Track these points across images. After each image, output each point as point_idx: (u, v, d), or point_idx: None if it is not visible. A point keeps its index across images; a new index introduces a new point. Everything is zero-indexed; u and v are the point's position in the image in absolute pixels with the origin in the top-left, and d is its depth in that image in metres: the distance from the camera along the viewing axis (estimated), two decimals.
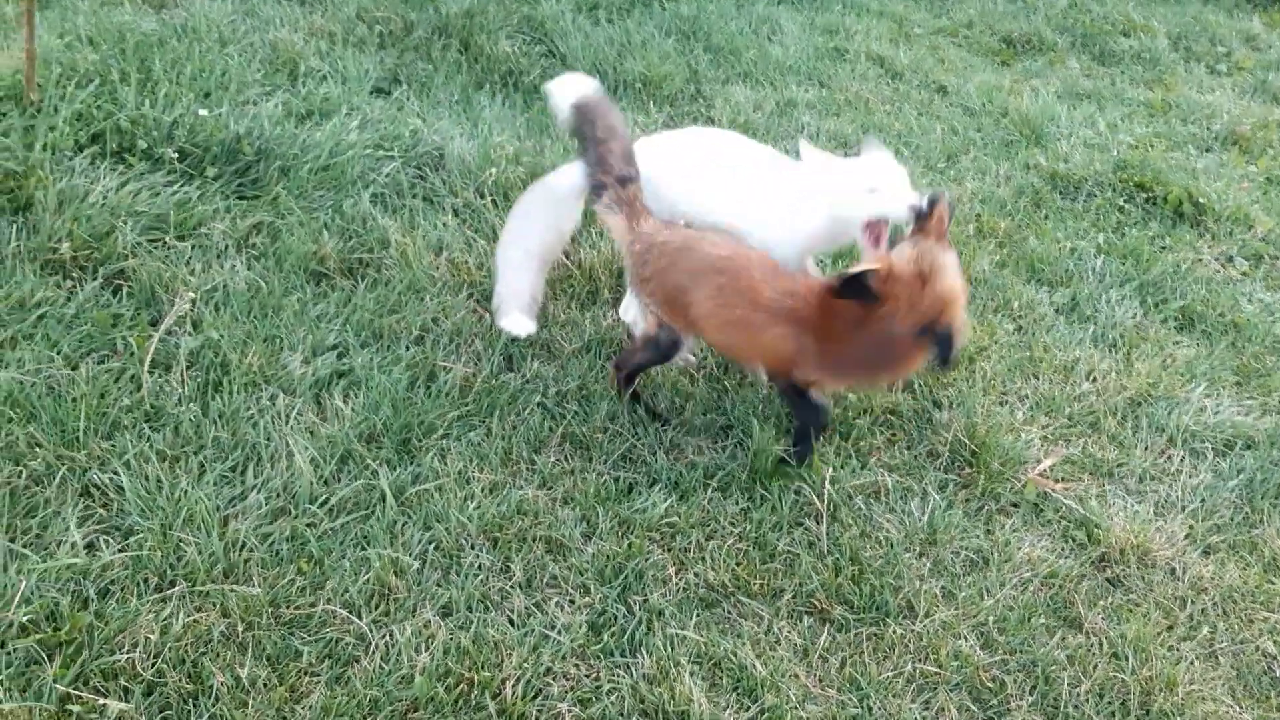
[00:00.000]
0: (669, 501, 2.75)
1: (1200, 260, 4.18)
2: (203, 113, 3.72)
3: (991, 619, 2.60)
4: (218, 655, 2.23)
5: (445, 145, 3.98)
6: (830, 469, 2.91)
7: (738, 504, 2.80)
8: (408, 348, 3.08)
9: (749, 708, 2.32)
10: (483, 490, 2.70)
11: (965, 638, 2.55)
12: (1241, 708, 2.48)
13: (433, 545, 2.55)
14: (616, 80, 4.91)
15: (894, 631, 2.53)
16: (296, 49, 4.54)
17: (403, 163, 3.87)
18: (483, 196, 3.76)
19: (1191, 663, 2.56)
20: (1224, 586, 2.76)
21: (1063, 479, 3.01)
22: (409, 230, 3.53)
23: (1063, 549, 2.82)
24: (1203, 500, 2.99)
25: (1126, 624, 2.61)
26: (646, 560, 2.60)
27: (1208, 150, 5.28)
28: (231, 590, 2.34)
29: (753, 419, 3.00)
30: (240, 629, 2.28)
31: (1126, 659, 2.53)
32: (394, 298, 3.25)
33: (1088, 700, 2.45)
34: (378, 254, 3.42)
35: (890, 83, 5.56)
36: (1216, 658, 2.59)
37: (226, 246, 3.34)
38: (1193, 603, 2.71)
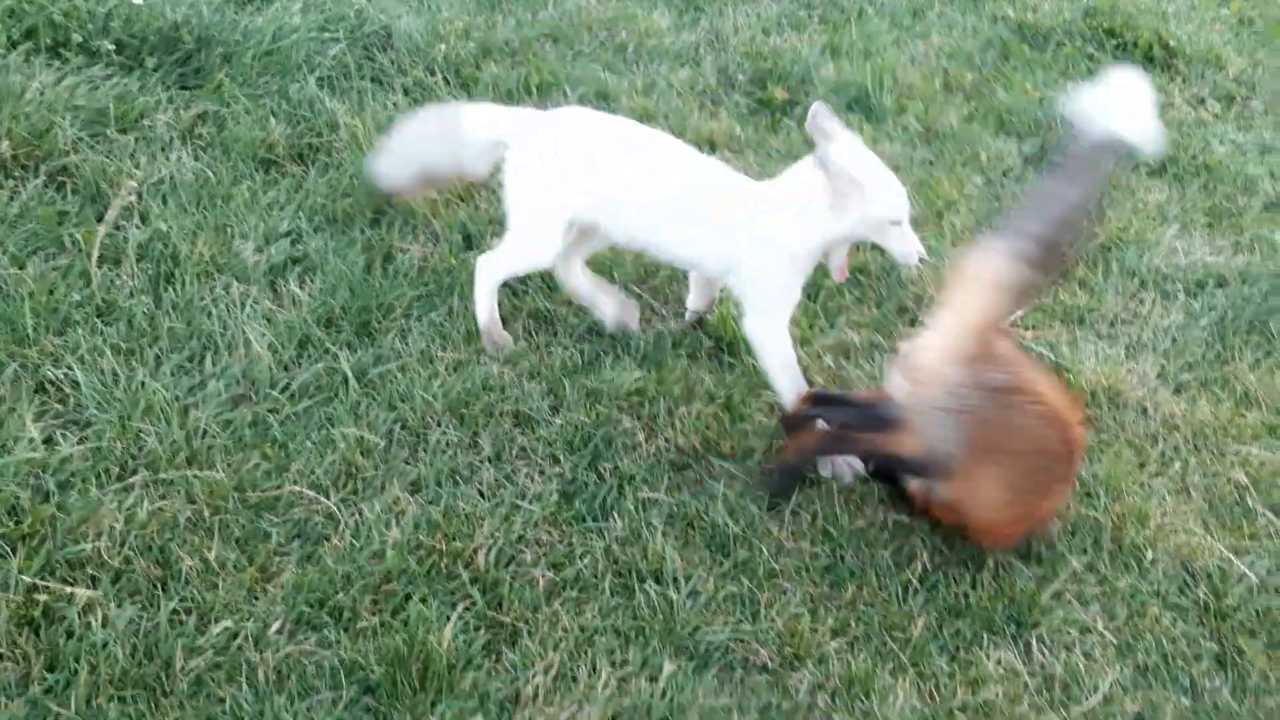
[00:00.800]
0: (637, 371, 2.72)
1: (1172, 104, 4.11)
2: (137, 1, 3.56)
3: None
4: (185, 540, 2.20)
5: (392, 24, 3.84)
6: (799, 329, 2.88)
7: (708, 371, 2.77)
8: (363, 230, 3.01)
9: (722, 563, 2.33)
10: (447, 368, 2.66)
11: None
12: (1214, 537, 2.50)
13: (399, 424, 2.52)
14: None
15: (868, 483, 2.53)
16: None
17: (349, 44, 3.73)
18: (433, 74, 3.65)
19: (1163, 497, 2.57)
20: (1195, 422, 2.77)
21: (1033, 327, 2.98)
22: (358, 112, 3.42)
23: None
24: (1174, 340, 2.98)
25: (1099, 463, 2.62)
26: (615, 428, 2.58)
27: None
28: (195, 477, 2.31)
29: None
30: (207, 514, 2.25)
31: (1099, 496, 2.54)
32: (346, 181, 3.16)
33: (1061, 539, 2.46)
34: (327, 138, 3.32)
35: None
36: (1188, 491, 2.61)
37: (171, 138, 3.23)
38: (1164, 439, 2.72)
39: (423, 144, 2.79)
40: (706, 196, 2.58)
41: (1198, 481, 2.63)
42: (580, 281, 2.82)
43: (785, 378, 2.60)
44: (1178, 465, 2.65)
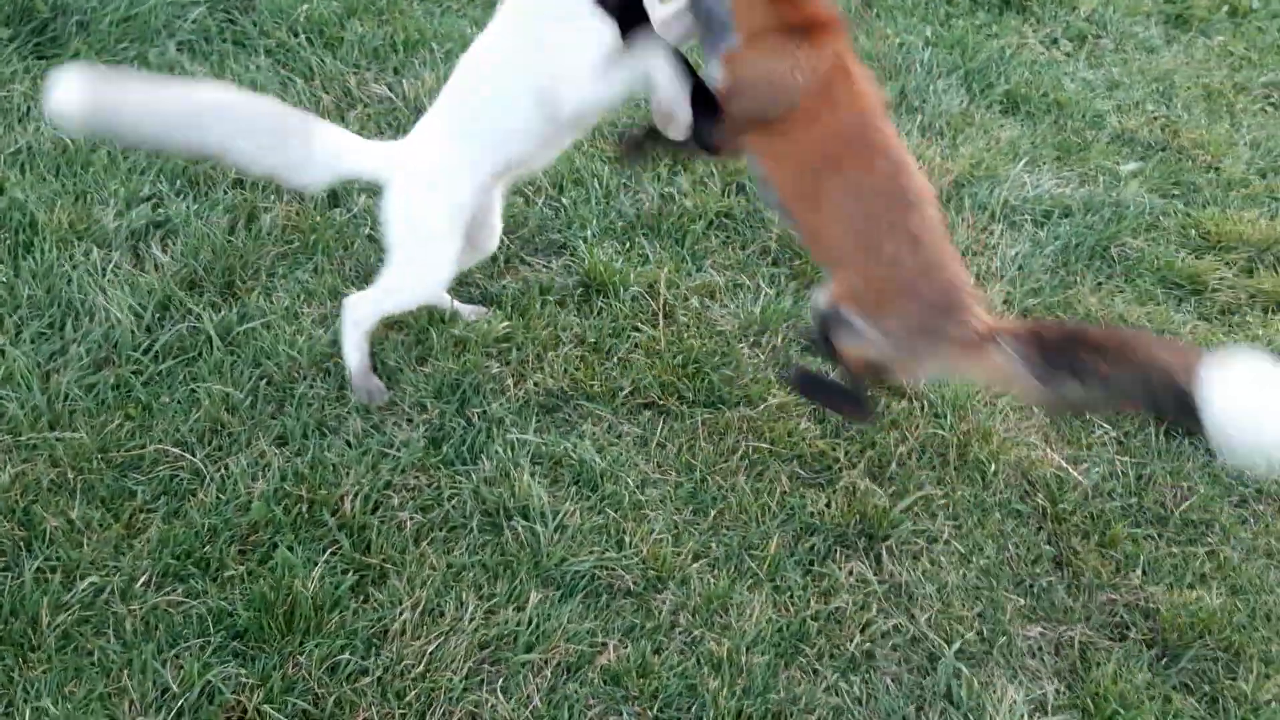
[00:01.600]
0: (504, 318, 2.77)
1: (1025, 44, 4.26)
2: None
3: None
4: (49, 502, 2.21)
5: None
6: (665, 272, 2.96)
7: (576, 316, 2.84)
8: (225, 192, 3.00)
9: (589, 497, 2.41)
10: (312, 323, 2.69)
11: (797, 418, 2.65)
12: (1052, 449, 2.65)
13: (264, 380, 2.54)
14: None
15: (728, 417, 2.63)
16: None
17: (209, 7, 3.68)
18: (296, 35, 3.62)
19: (1006, 414, 2.71)
20: None
21: None
22: (219, 75, 3.39)
23: None
24: (1020, 268, 3.13)
25: (946, 387, 2.74)
26: (484, 374, 2.64)
27: None
28: (58, 439, 2.31)
29: (586, 234, 3.02)
30: (70, 475, 2.27)
31: (945, 417, 2.67)
32: None
33: (910, 457, 2.59)
34: None
35: None
36: (1030, 409, 2.75)
37: (28, 108, 3.18)
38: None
39: (242, 133, 2.29)
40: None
41: None
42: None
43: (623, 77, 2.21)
44: None
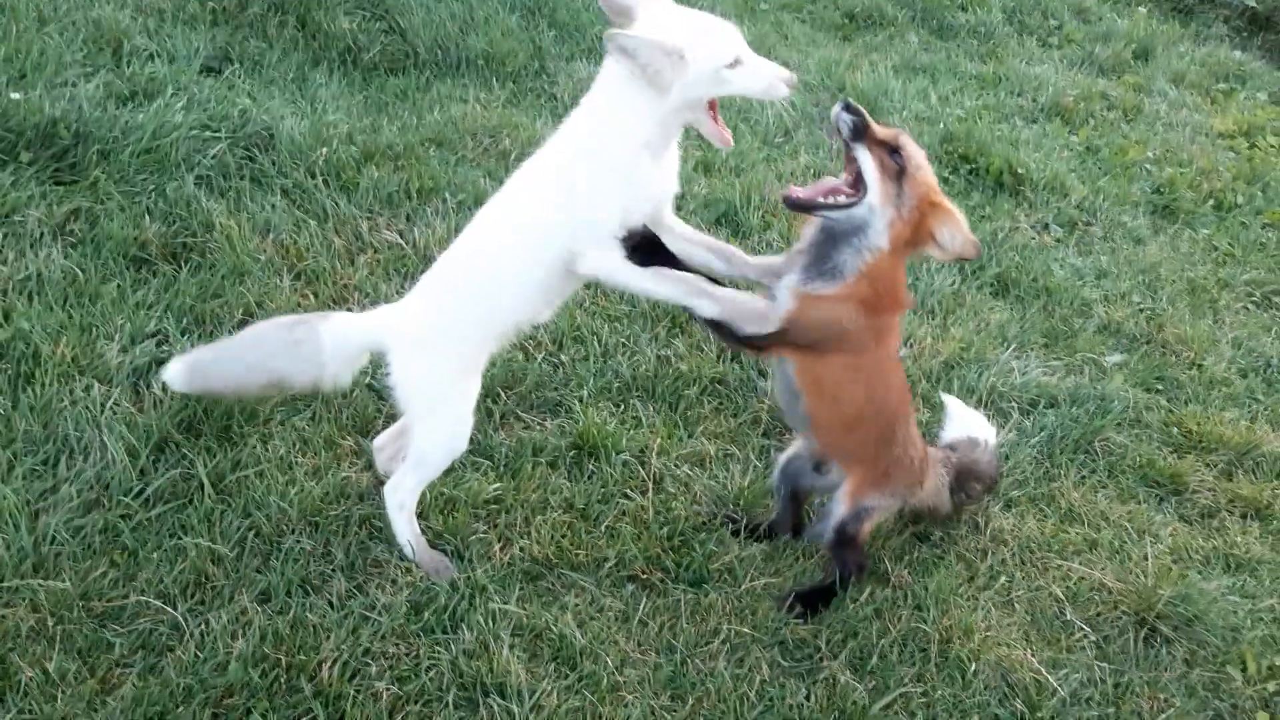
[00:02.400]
0: (495, 478, 2.80)
1: (1018, 228, 4.40)
2: (15, 96, 3.59)
3: (807, 581, 2.72)
4: (26, 650, 2.20)
5: (275, 125, 3.91)
6: (658, 439, 3.00)
7: (566, 479, 2.86)
8: (230, 332, 3.05)
9: (568, 676, 2.40)
10: (305, 474, 2.71)
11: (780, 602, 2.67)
12: (1033, 650, 2.66)
13: (252, 532, 2.55)
14: (459, 57, 4.88)
15: (711, 597, 2.64)
16: (122, 27, 4.38)
17: (230, 144, 3.79)
18: (314, 177, 3.73)
19: (989, 610, 2.73)
20: (1022, 537, 2.95)
21: None
22: (234, 212, 3.48)
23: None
24: (1006, 457, 3.17)
25: (930, 576, 2.77)
26: (471, 536, 2.65)
27: (1033, 121, 5.53)
28: (40, 585, 2.31)
29: (583, 394, 3.07)
30: (50, 623, 2.25)
31: (928, 609, 2.68)
32: (217, 282, 3.21)
33: (892, 649, 2.59)
34: (202, 237, 3.36)
35: None
36: (1012, 605, 2.77)
37: (42, 234, 3.24)
38: (993, 554, 2.89)
39: (264, 356, 2.43)
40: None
41: (1021, 595, 2.79)
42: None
43: (652, 284, 2.38)
44: (1004, 579, 2.82)
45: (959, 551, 2.88)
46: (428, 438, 2.49)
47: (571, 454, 2.95)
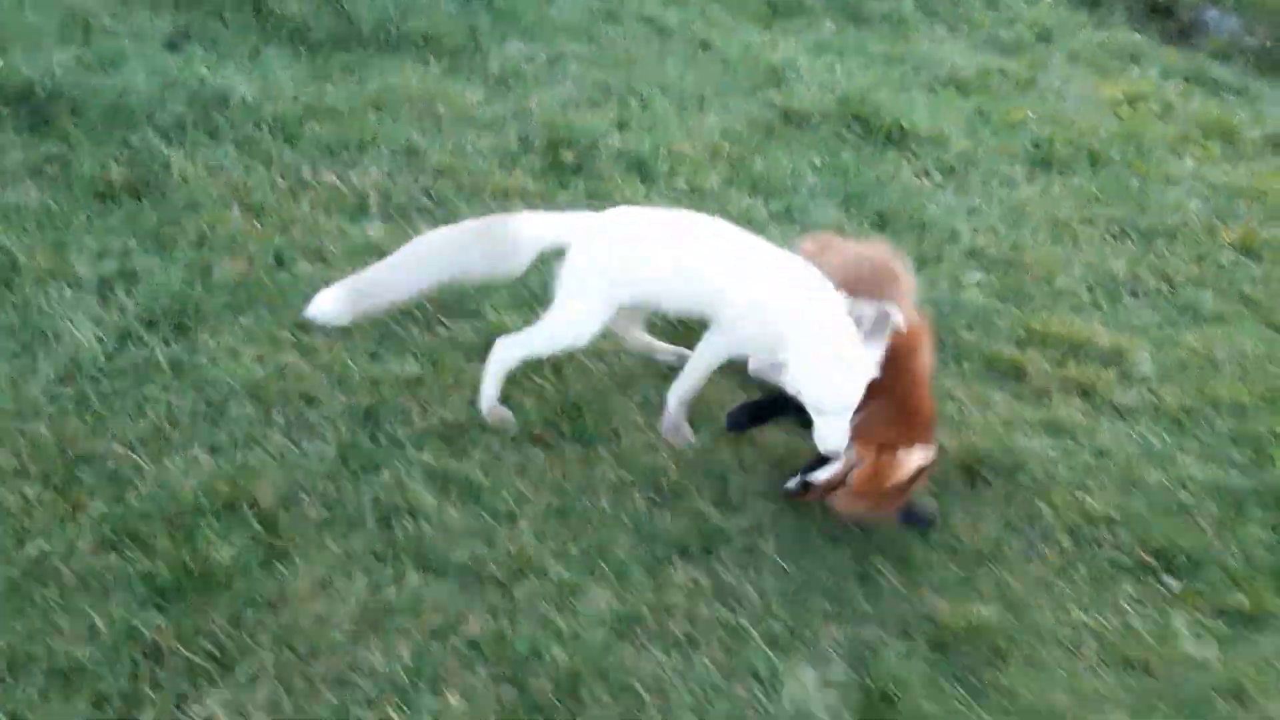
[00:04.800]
0: (417, 364, 3.25)
1: (900, 174, 4.90)
2: None
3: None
4: (7, 482, 2.64)
5: (228, 89, 4.38)
6: None
7: (478, 363, 3.32)
8: (185, 251, 3.50)
9: (472, 507, 2.85)
10: (251, 360, 3.15)
11: (660, 454, 3.13)
12: None
13: (204, 402, 3.00)
14: (400, 37, 5.34)
15: (598, 451, 3.10)
16: (90, 9, 4.85)
17: (188, 103, 4.25)
18: (261, 129, 4.19)
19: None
20: None
21: None
22: (190, 158, 3.94)
23: (744, 387, 3.43)
24: None
25: (794, 439, 3.24)
26: (394, 407, 3.10)
27: (931, 91, 6.04)
28: (20, 431, 2.75)
29: (496, 302, 3.54)
30: (29, 464, 2.69)
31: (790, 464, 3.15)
32: (174, 212, 3.66)
33: (751, 490, 3.05)
34: (161, 177, 3.81)
35: (658, 40, 6.14)
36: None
37: (19, 173, 3.69)
38: None
39: (459, 257, 3.04)
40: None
41: None
42: (638, 339, 3.42)
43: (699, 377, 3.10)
44: None
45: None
46: (553, 319, 3.06)
47: (484, 348, 3.40)
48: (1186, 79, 7.07)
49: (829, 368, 2.73)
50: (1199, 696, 2.70)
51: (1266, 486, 3.38)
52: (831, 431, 2.77)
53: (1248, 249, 4.82)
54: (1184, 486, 3.34)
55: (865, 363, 2.76)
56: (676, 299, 3.09)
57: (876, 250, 3.38)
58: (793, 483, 2.97)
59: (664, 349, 3.43)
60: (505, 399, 3.18)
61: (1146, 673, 2.75)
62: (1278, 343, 4.17)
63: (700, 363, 3.12)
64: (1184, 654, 2.79)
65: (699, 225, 3.07)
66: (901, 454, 2.83)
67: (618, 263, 3.01)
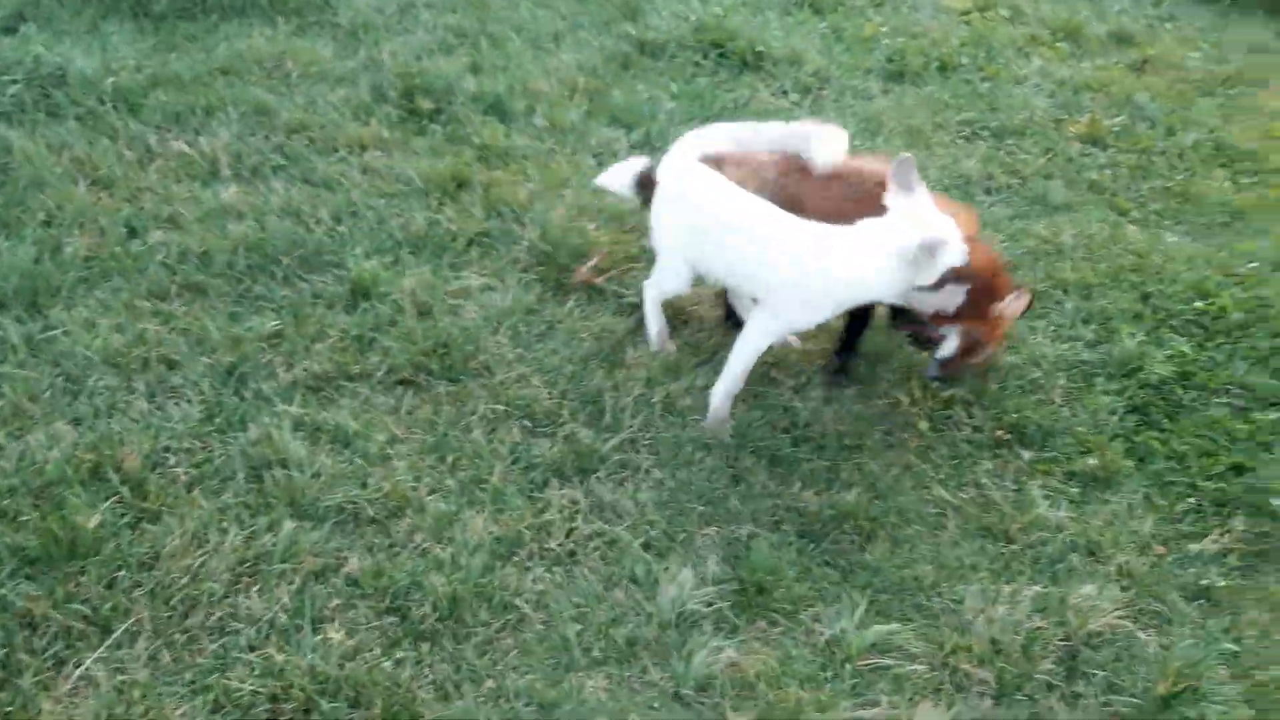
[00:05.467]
0: (276, 319, 3.25)
1: (757, 95, 4.98)
2: None
3: (556, 368, 3.24)
4: None
5: (66, 65, 4.26)
6: (420, 277, 3.48)
7: (344, 314, 3.33)
8: (34, 230, 3.43)
9: (343, 452, 2.87)
10: (108, 330, 3.11)
11: (533, 384, 3.18)
12: (750, 392, 3.22)
13: (61, 376, 2.96)
14: (245, 2, 5.22)
15: (470, 386, 3.14)
16: None
17: (26, 85, 4.14)
18: (104, 103, 4.09)
19: (709, 375, 3.27)
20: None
21: (610, 270, 3.66)
22: (31, 137, 3.83)
23: (619, 314, 3.50)
24: None
25: (656, 360, 3.31)
26: (258, 363, 3.10)
27: (787, 14, 6.11)
28: None
29: (357, 252, 3.54)
30: None
31: (659, 381, 3.22)
32: (19, 192, 3.57)
33: (625, 409, 3.12)
34: (2, 159, 3.71)
35: None
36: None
37: None
38: (699, 328, 3.44)
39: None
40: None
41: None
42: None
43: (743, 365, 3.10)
44: (717, 354, 3.37)
45: (687, 337, 3.43)
46: (658, 270, 3.28)
47: (347, 297, 3.41)
48: None
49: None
50: (1056, 555, 2.86)
51: (1113, 359, 3.55)
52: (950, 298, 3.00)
53: (1093, 139, 5.00)
54: (1036, 365, 3.49)
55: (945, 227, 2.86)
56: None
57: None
58: (932, 369, 3.24)
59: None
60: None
61: (1006, 539, 2.90)
62: (1121, 225, 4.36)
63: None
64: (1040, 518, 2.94)
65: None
66: (1006, 304, 3.09)
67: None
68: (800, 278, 2.95)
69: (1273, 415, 3.34)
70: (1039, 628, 2.64)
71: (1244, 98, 5.83)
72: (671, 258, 3.20)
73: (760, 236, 2.99)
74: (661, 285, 3.29)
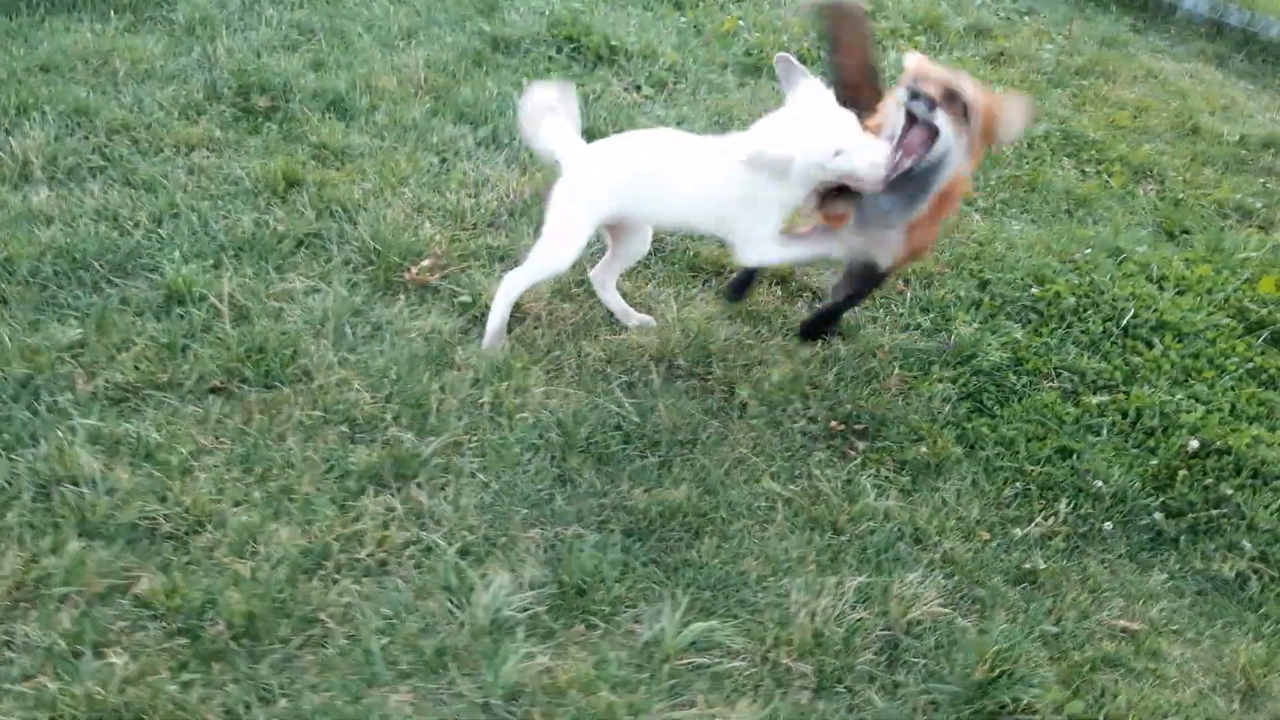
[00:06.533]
0: (79, 327, 3.07)
1: (610, 89, 4.91)
2: None
3: (380, 371, 3.12)
4: None
5: None
6: (239, 280, 3.32)
7: (154, 322, 3.16)
8: None
9: (143, 465, 2.72)
10: None
11: (354, 388, 3.05)
12: (572, 393, 3.14)
13: None
14: None
15: (285, 392, 3.00)
16: None
17: None
18: None
19: (540, 375, 3.19)
20: (577, 320, 3.43)
21: (444, 268, 3.55)
22: None
23: (449, 314, 3.39)
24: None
25: (487, 361, 3.22)
26: (56, 374, 2.92)
27: (648, 10, 6.07)
28: None
29: (174, 255, 3.37)
30: None
31: (490, 381, 3.12)
32: None
33: (450, 411, 3.02)
34: None
35: None
36: (563, 369, 3.24)
37: None
38: (546, 333, 3.36)
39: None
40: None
41: (571, 361, 3.27)
42: (611, 298, 3.45)
43: (799, 256, 3.23)
44: (556, 352, 3.29)
45: (520, 334, 3.34)
46: (544, 247, 3.17)
47: (160, 303, 3.24)
48: None
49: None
50: (882, 545, 2.84)
51: (949, 346, 3.56)
52: (872, 156, 2.88)
53: None
54: (873, 355, 3.49)
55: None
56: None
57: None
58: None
59: (632, 315, 3.48)
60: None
61: (834, 530, 2.87)
62: (967, 212, 4.40)
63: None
64: (868, 508, 2.92)
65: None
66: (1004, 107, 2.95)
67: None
68: (724, 196, 3.06)
69: (1100, 398, 3.38)
70: (861, 618, 2.61)
71: (1093, 89, 5.97)
72: (579, 228, 3.15)
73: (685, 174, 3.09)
74: (544, 268, 3.22)
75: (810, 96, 2.99)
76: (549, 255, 3.17)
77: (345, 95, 4.46)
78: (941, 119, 2.85)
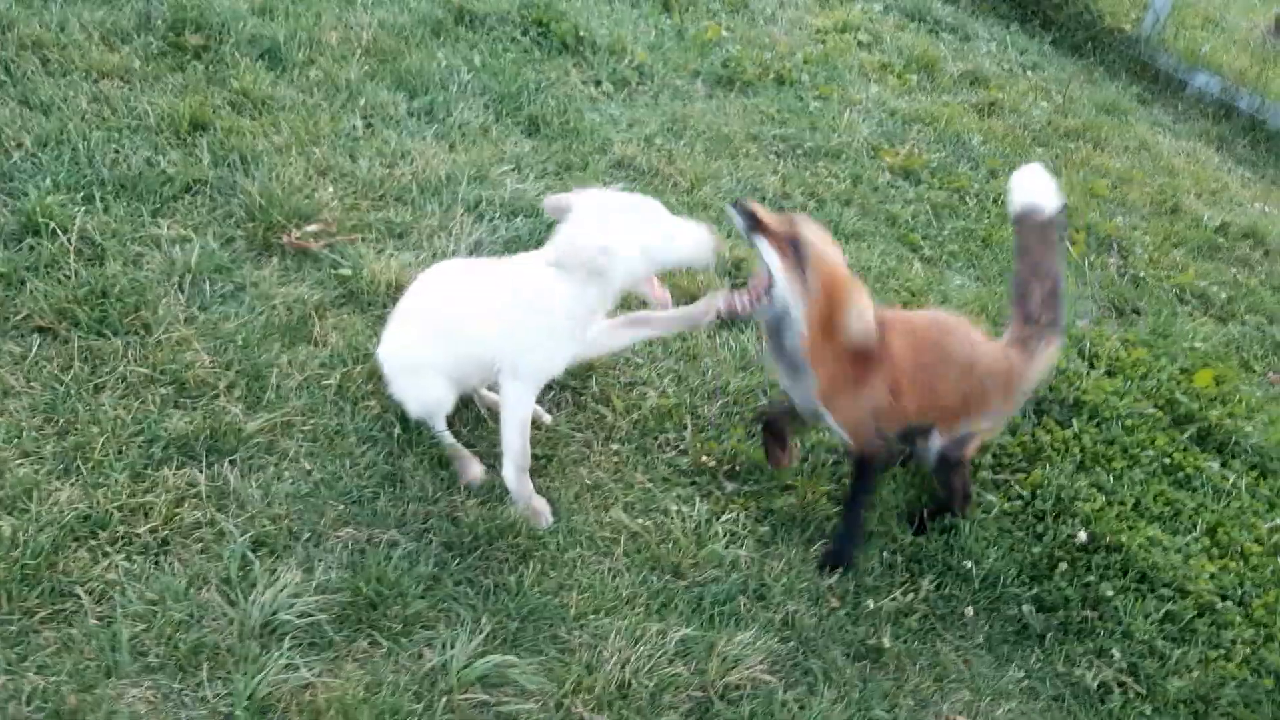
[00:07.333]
0: None
1: (567, 79, 4.70)
2: None
3: (228, 335, 2.90)
4: None
5: None
6: (99, 217, 3.11)
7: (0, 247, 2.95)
8: None
9: None
10: None
11: (193, 348, 2.84)
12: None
13: None
14: None
15: (116, 344, 2.78)
16: None
17: None
18: None
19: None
20: None
21: (332, 235, 3.34)
22: None
23: (322, 284, 3.17)
24: (471, 252, 3.44)
25: (350, 332, 3.00)
26: None
27: (634, 7, 5.86)
28: None
29: (46, 178, 3.16)
30: None
31: (344, 361, 2.91)
32: None
33: (291, 390, 2.80)
34: None
35: None
36: None
37: None
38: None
39: None
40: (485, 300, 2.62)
41: None
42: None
43: (518, 437, 2.64)
44: None
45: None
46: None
47: (15, 231, 3.02)
48: (909, 16, 7.14)
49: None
50: (722, 597, 2.61)
51: None
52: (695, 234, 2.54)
53: (906, 172, 4.83)
54: (764, 393, 3.27)
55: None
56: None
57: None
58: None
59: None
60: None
61: (675, 574, 2.65)
62: (909, 259, 4.18)
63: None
64: (715, 554, 2.70)
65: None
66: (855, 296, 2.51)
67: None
68: (511, 327, 2.58)
69: (998, 475, 3.16)
70: (677, 674, 2.39)
71: (1078, 153, 5.75)
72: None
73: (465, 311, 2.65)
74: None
75: (596, 196, 2.58)
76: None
77: (283, 45, 4.25)
78: (768, 253, 2.50)
